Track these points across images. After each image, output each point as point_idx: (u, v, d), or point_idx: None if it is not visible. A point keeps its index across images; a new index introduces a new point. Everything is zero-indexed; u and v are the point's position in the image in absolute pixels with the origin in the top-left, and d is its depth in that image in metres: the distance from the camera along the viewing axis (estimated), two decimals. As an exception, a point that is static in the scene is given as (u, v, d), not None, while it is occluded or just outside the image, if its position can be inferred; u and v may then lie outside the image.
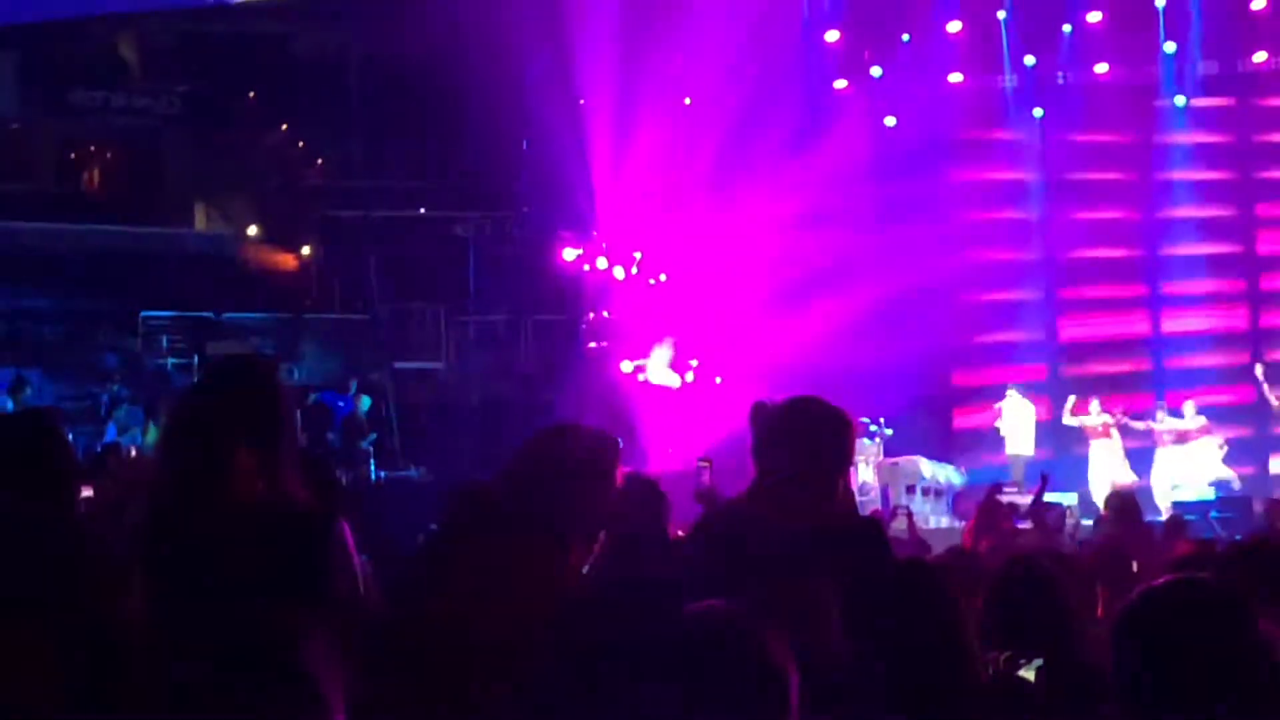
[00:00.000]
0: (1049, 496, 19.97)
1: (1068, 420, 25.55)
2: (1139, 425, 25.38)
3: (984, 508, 13.87)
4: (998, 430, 26.04)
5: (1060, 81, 28.42)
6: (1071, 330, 28.75)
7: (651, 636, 3.54)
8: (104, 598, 4.16)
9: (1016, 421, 25.62)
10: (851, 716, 4.34)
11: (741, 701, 3.36)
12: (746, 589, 4.33)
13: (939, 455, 25.31)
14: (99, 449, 20.96)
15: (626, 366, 25.78)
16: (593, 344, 25.86)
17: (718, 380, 24.66)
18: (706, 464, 9.61)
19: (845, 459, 5.80)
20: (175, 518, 4.67)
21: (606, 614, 4.80)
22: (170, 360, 24.77)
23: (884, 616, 4.65)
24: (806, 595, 5.18)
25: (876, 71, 27.69)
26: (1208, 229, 28.73)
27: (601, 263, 25.86)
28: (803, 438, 5.71)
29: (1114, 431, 25.30)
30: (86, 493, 7.39)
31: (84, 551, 4.20)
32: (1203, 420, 25.31)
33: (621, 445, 5.31)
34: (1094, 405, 25.34)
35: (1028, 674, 5.62)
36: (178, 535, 4.63)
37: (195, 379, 16.90)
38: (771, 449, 5.80)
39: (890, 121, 27.80)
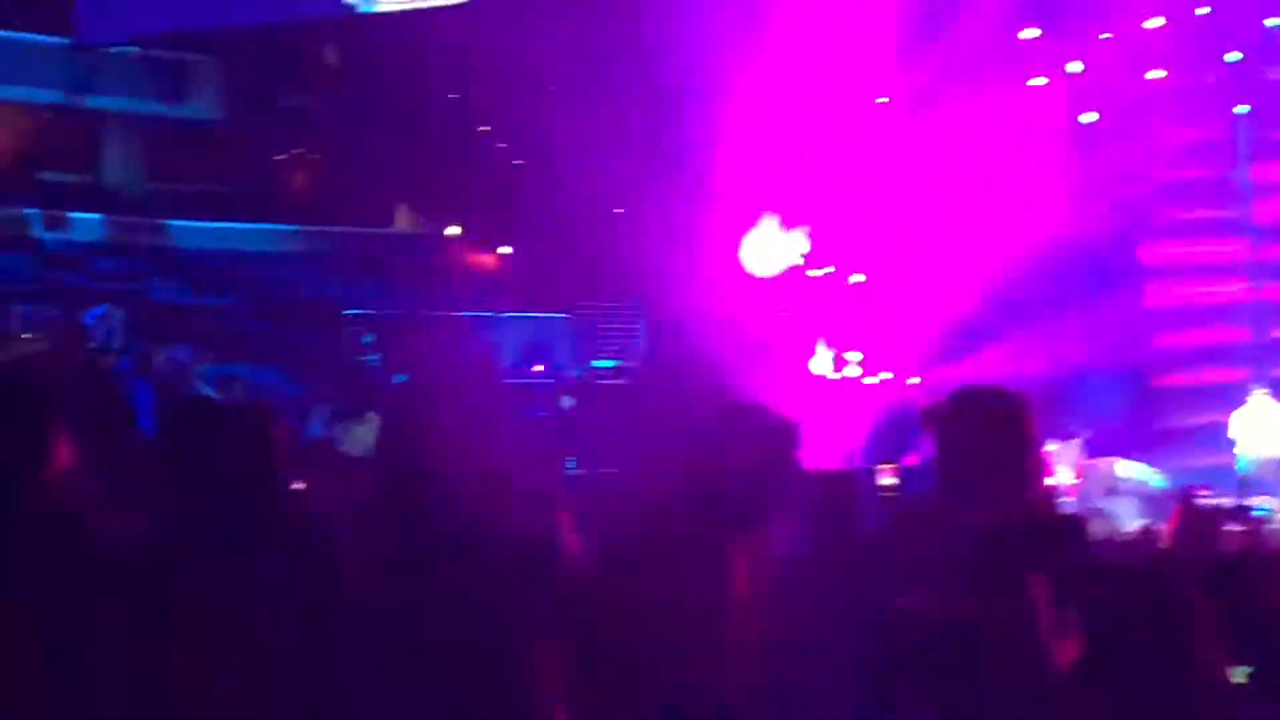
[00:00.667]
0: (1256, 501, 19.73)
1: None
2: None
3: (1183, 509, 13.69)
4: (1218, 431, 25.68)
5: (1265, 78, 27.90)
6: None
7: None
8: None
9: (1259, 424, 25.03)
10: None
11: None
12: (949, 591, 4.33)
13: (1140, 457, 24.98)
14: (306, 445, 21.40)
15: (817, 365, 25.76)
16: (779, 341, 25.83)
17: (914, 380, 24.57)
18: (888, 465, 9.63)
19: (1027, 444, 5.62)
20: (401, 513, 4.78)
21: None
22: (371, 357, 25.17)
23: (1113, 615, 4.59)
24: (1014, 595, 5.19)
25: (1075, 67, 27.36)
26: None
27: (798, 259, 25.84)
28: (977, 429, 5.59)
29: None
30: (298, 485, 7.58)
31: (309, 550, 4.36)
32: None
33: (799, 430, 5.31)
34: None
35: (1240, 679, 5.54)
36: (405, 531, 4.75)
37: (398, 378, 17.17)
38: (949, 446, 5.73)
39: (1089, 118, 27.46)
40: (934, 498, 5.90)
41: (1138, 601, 4.51)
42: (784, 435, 5.26)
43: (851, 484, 8.17)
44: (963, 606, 4.91)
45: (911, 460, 19.82)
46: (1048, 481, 6.55)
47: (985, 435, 5.60)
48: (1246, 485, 16.28)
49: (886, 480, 8.99)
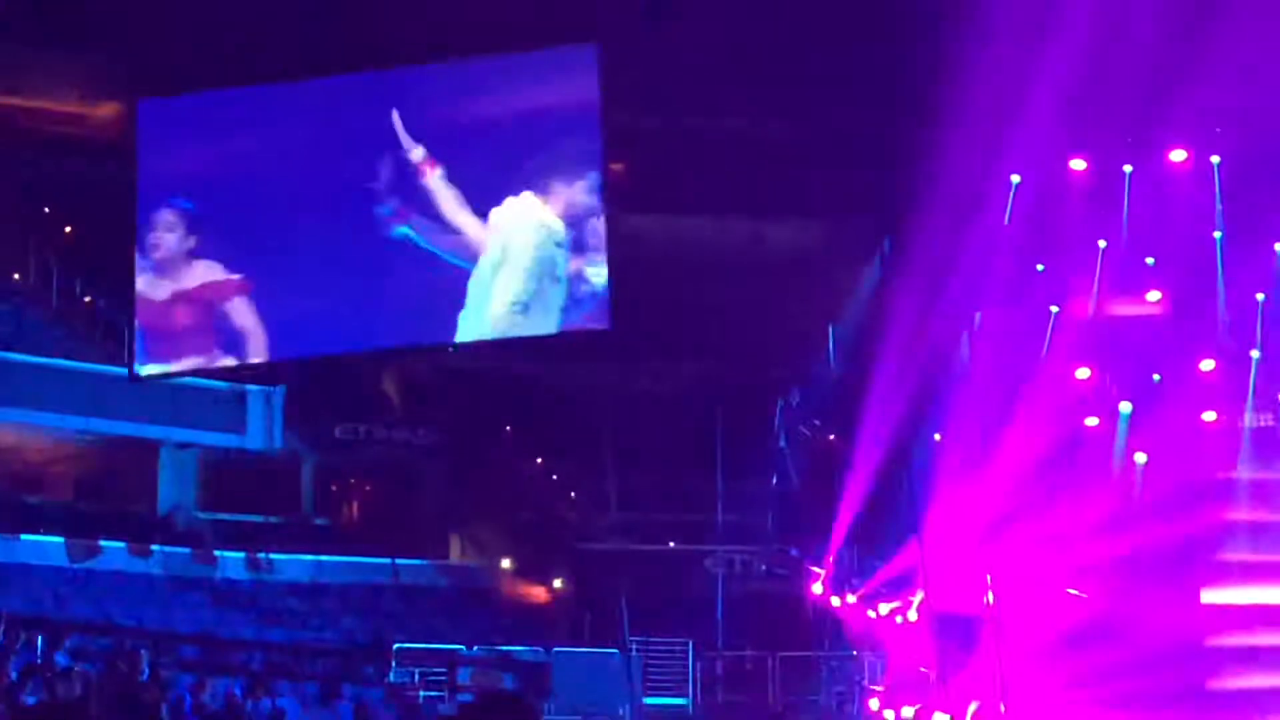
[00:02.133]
0: None
1: None
2: None
3: None
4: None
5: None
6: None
7: None
8: None
9: None
10: None
11: None
12: None
13: None
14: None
15: (874, 705, 25.57)
16: (841, 681, 25.76)
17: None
18: None
19: None
20: None
21: None
22: (423, 693, 25.03)
23: None
24: None
25: (1126, 408, 27.51)
26: None
27: (851, 598, 25.82)
28: None
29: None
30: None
31: None
32: None
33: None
34: None
35: None
36: None
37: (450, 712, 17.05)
38: None
39: (1141, 458, 27.51)
40: None
41: None
42: None
43: None
44: None
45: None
46: None
47: None
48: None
49: None
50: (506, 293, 23.40)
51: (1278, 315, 26.33)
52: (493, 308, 23.35)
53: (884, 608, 25.79)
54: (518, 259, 23.33)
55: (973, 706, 24.68)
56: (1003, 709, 24.01)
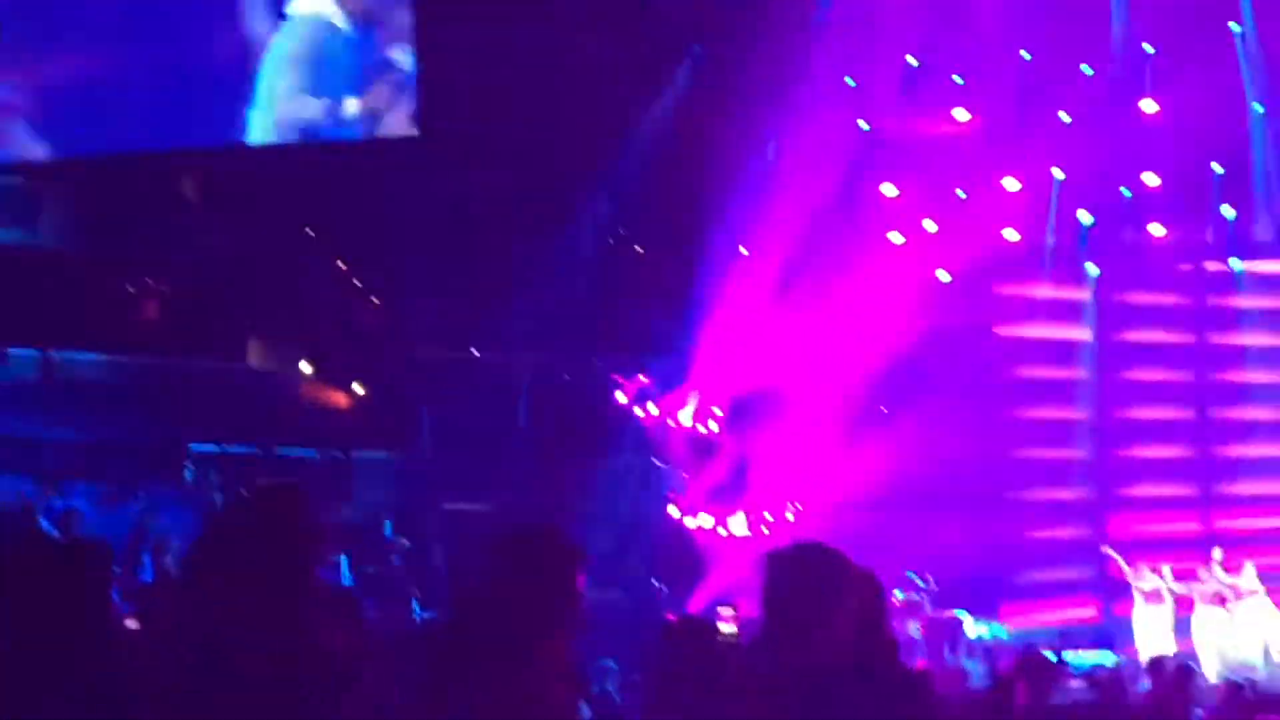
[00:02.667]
0: (1090, 656, 19.78)
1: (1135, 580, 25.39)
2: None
3: (1026, 664, 13.66)
4: (1065, 586, 26.04)
5: (1115, 240, 28.44)
6: (1123, 490, 28.51)
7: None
8: None
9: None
10: None
11: None
12: None
13: (984, 610, 25.11)
14: (147, 581, 20.99)
15: (673, 511, 25.77)
16: (646, 490, 25.88)
17: (765, 530, 24.58)
18: (730, 610, 9.53)
19: (824, 610, 5.68)
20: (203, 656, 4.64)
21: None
22: (219, 495, 24.78)
23: None
24: None
25: (931, 226, 27.73)
26: (1263, 394, 28.61)
27: (653, 408, 25.90)
28: (787, 588, 5.71)
29: (1168, 595, 25.13)
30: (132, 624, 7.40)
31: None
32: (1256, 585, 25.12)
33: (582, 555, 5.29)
34: (1166, 569, 25.26)
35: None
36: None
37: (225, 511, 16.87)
38: (768, 597, 5.79)
39: (944, 277, 27.81)
40: (761, 641, 5.91)
41: None
42: (566, 559, 5.24)
43: (689, 632, 8.10)
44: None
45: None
46: (893, 634, 6.59)
47: (812, 583, 5.68)
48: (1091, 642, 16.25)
49: (726, 628, 8.85)
50: (300, 91, 22.96)
51: (1083, 135, 26.54)
52: (286, 107, 22.92)
53: (685, 415, 25.90)
54: (313, 55, 22.85)
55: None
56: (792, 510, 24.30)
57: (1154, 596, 25.25)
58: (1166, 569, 25.43)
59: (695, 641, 7.67)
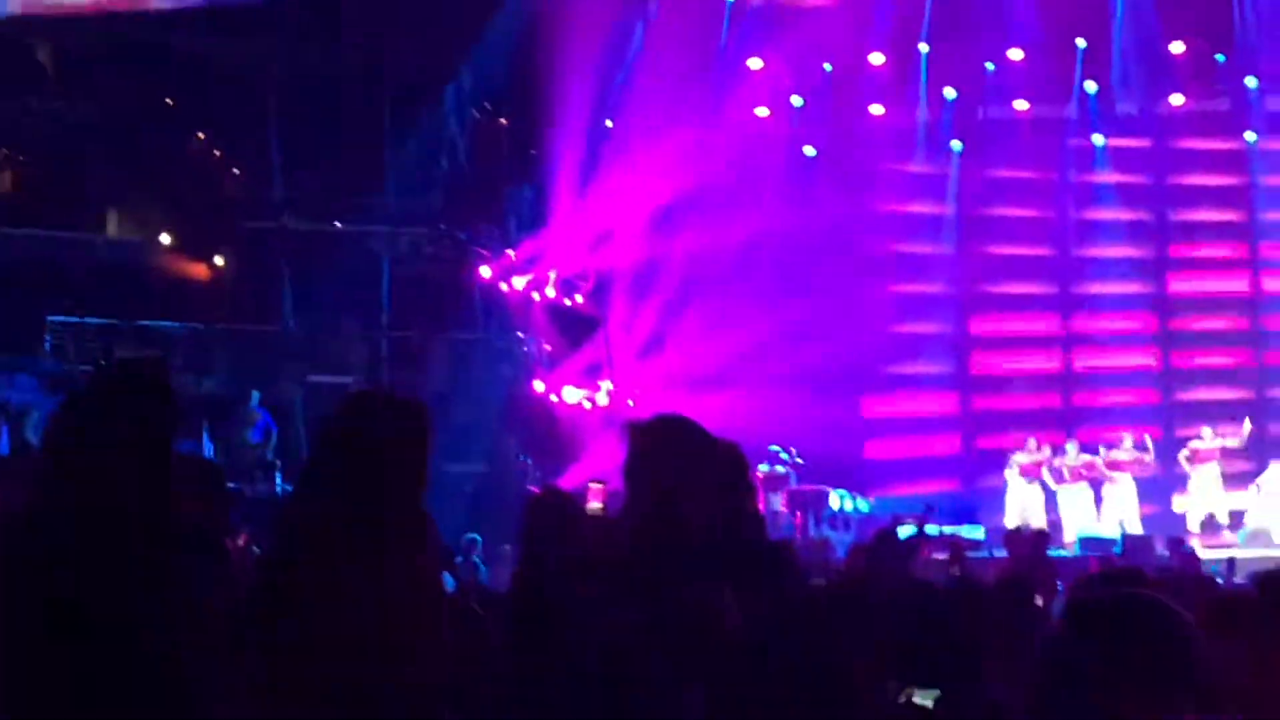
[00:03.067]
0: (954, 528, 20.05)
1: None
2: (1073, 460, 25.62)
3: (883, 537, 13.81)
4: (924, 462, 26.39)
5: (979, 116, 28.57)
6: (983, 364, 28.81)
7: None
8: None
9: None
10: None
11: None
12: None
13: (848, 484, 25.33)
14: (4, 453, 20.75)
15: (539, 386, 25.73)
16: (508, 364, 25.81)
17: (630, 403, 24.61)
18: (599, 485, 9.51)
19: (687, 481, 5.63)
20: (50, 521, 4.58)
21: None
22: (79, 367, 24.46)
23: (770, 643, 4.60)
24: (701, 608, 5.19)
25: (797, 100, 27.72)
26: (1122, 268, 28.95)
27: (518, 282, 25.78)
28: (650, 459, 5.66)
29: (1045, 472, 25.58)
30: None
31: None
32: (1138, 455, 25.66)
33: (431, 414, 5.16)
34: (1031, 444, 25.66)
35: (925, 702, 5.56)
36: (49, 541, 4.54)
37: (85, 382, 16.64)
38: (630, 469, 5.74)
39: (810, 151, 27.84)
40: (626, 513, 5.87)
41: (821, 623, 4.52)
42: (414, 415, 5.11)
43: (559, 505, 8.08)
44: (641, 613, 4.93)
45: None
46: (757, 506, 6.60)
47: (656, 467, 5.63)
48: (930, 511, 16.37)
49: (594, 504, 8.82)
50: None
51: (947, 11, 26.57)
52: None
53: (550, 289, 25.83)
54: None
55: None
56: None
57: (1028, 471, 25.66)
58: (1032, 442, 25.85)
59: (557, 514, 7.64)
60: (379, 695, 4.59)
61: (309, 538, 4.84)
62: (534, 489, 21.73)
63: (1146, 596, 3.66)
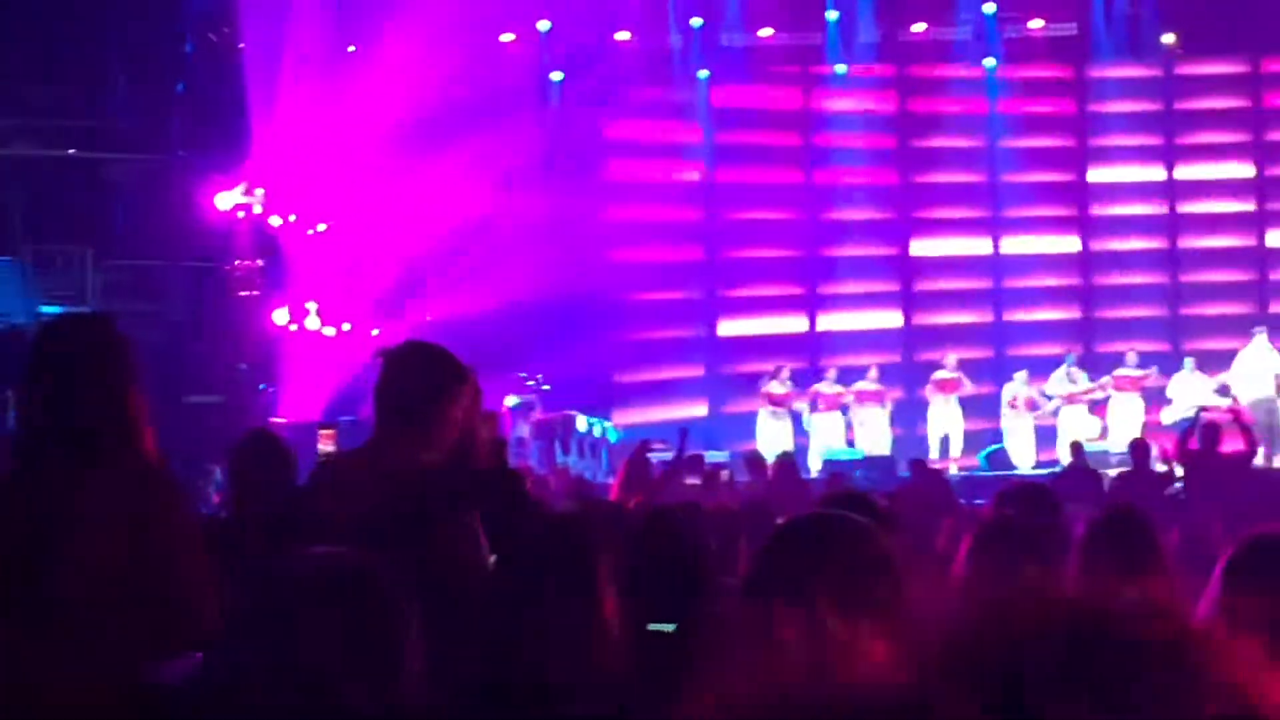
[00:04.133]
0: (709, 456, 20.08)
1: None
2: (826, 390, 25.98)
3: (632, 462, 13.77)
4: (671, 385, 26.51)
5: (725, 44, 28.61)
6: (734, 289, 28.92)
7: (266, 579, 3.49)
8: None
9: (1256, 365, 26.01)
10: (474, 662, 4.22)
11: (354, 642, 3.31)
12: (355, 536, 4.29)
13: (597, 411, 25.34)
14: None
15: (280, 316, 25.27)
16: (244, 292, 25.27)
17: (375, 332, 24.27)
18: (329, 430, 9.33)
19: (439, 405, 5.73)
20: None
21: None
22: None
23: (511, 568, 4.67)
24: (415, 541, 5.16)
25: (544, 25, 27.49)
26: (864, 195, 29.30)
27: (257, 209, 25.24)
28: (396, 384, 5.77)
29: (795, 400, 25.91)
30: None
31: None
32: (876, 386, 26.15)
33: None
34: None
35: (664, 628, 5.55)
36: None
37: None
38: (378, 396, 5.84)
39: (557, 77, 27.67)
40: (360, 449, 5.99)
41: (553, 549, 4.46)
42: (100, 329, 5.08)
43: (274, 442, 7.92)
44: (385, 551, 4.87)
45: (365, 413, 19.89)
46: (506, 434, 6.64)
47: (419, 384, 5.73)
48: (685, 436, 16.30)
49: (324, 446, 8.64)
50: None
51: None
52: None
53: (289, 217, 25.35)
54: None
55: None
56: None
57: (779, 398, 25.91)
58: (786, 370, 26.10)
59: (265, 456, 7.55)
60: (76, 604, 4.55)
61: (17, 456, 4.87)
62: (276, 419, 21.38)
63: (839, 514, 3.83)
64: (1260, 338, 25.92)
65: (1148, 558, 5.15)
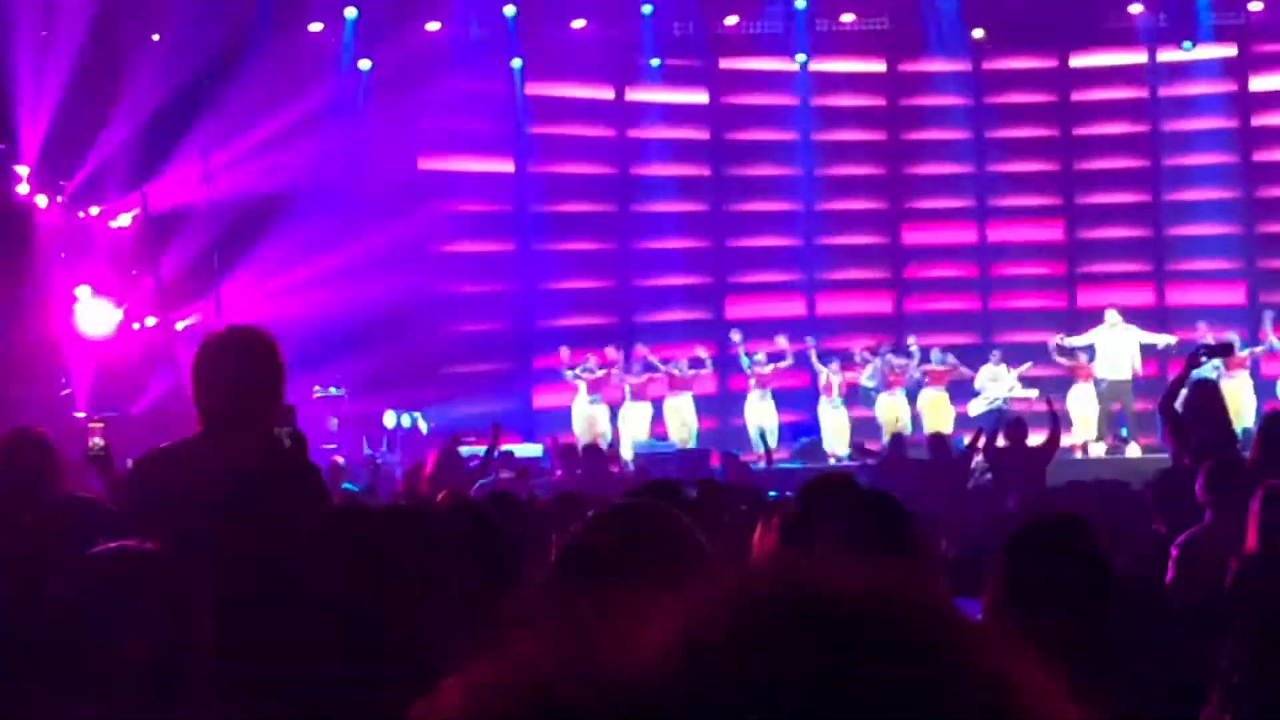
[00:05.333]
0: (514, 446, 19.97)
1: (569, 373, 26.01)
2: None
3: (442, 455, 13.68)
4: (483, 380, 26.40)
5: (539, 34, 28.46)
6: (552, 283, 28.78)
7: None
8: None
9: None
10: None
11: (147, 635, 3.26)
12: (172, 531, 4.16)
13: (407, 405, 25.09)
14: None
15: (88, 310, 24.64)
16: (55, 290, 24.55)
17: (179, 327, 23.80)
18: (98, 424, 9.08)
19: (273, 393, 5.62)
20: None
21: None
22: None
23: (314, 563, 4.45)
24: (228, 538, 5.08)
25: (351, 13, 27.14)
26: (677, 188, 29.36)
27: (23, 189, 24.32)
28: (222, 373, 5.59)
29: (605, 388, 25.95)
30: None
31: None
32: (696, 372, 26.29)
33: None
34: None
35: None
36: None
37: None
38: (199, 387, 5.65)
39: (365, 65, 27.35)
40: (184, 443, 5.79)
41: (357, 545, 4.33)
42: None
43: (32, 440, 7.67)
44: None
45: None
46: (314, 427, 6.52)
47: (231, 382, 5.57)
48: (498, 430, 16.21)
49: (95, 440, 8.40)
50: None
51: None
52: None
53: (94, 210, 24.73)
54: None
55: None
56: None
57: (593, 386, 25.92)
58: (593, 359, 26.11)
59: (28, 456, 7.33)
60: None
61: None
62: (80, 415, 20.86)
63: (650, 502, 3.96)
64: (1112, 314, 26.49)
65: (901, 544, 5.11)
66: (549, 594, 3.56)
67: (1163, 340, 26.35)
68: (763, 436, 24.94)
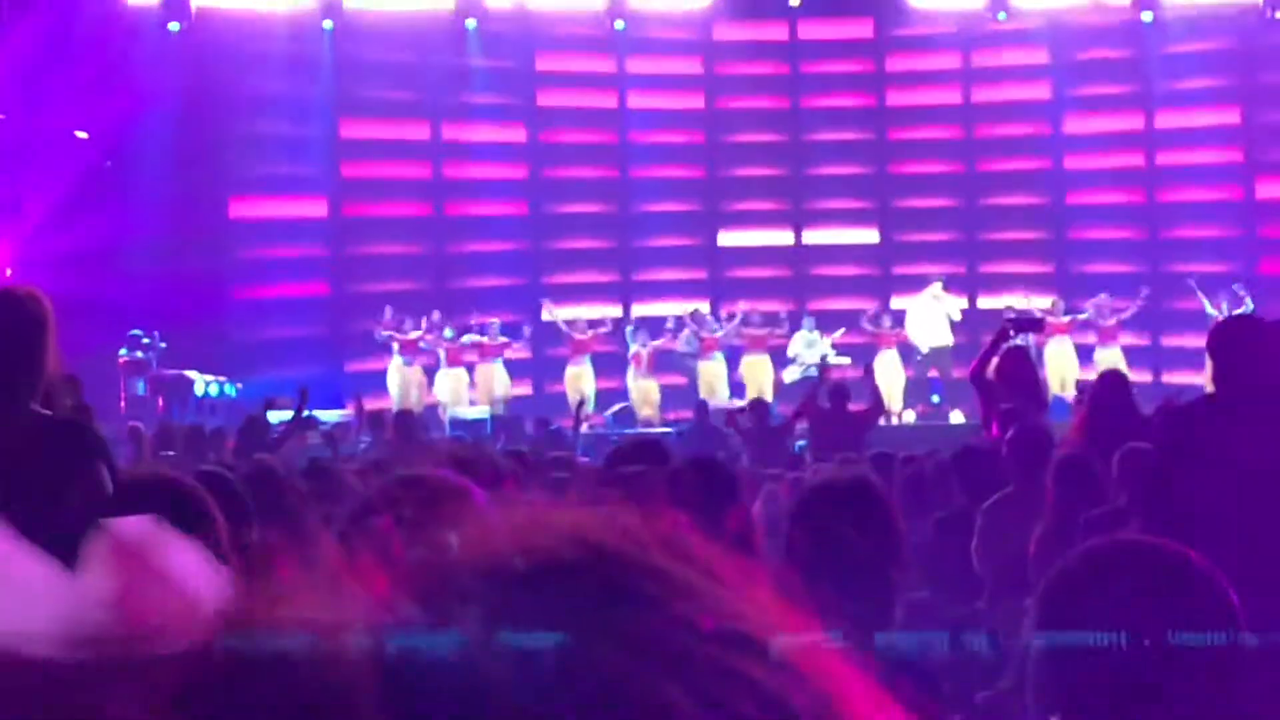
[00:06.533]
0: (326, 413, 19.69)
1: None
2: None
3: (249, 421, 13.47)
4: (291, 344, 26.00)
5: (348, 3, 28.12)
6: (356, 248, 28.45)
7: None
8: None
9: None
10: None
11: None
12: None
13: (217, 370, 24.65)
14: None
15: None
16: None
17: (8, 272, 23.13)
18: None
19: (43, 349, 5.20)
20: None
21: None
22: None
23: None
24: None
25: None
26: (494, 151, 29.18)
27: None
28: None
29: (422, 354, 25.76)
30: None
31: None
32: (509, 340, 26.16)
33: None
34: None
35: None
36: None
37: None
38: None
39: (174, 27, 26.81)
40: None
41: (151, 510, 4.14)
42: None
43: None
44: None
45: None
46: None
47: (21, 329, 5.16)
48: (305, 395, 15.87)
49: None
50: None
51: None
52: None
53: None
54: None
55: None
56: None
57: (407, 350, 25.67)
58: (409, 323, 25.85)
59: None
60: None
61: None
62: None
63: (438, 473, 3.69)
64: (935, 287, 26.72)
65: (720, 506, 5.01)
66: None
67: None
68: (581, 403, 24.86)
